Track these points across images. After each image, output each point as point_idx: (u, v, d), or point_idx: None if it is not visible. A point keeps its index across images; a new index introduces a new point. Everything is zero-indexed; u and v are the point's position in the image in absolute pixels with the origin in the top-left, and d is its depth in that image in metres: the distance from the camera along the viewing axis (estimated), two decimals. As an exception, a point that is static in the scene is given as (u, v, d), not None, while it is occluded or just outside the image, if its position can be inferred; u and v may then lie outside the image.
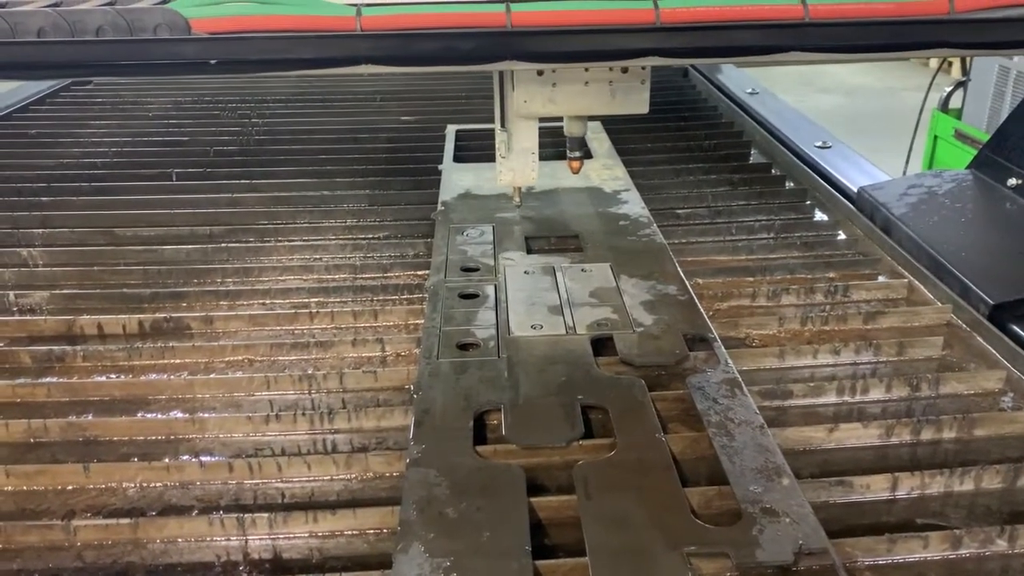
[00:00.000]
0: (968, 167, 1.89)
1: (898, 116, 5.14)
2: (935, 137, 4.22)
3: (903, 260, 1.60)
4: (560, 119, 1.54)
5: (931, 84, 4.31)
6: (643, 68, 1.30)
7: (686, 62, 2.68)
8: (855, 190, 1.90)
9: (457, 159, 2.12)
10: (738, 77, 2.91)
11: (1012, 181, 1.71)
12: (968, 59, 4.06)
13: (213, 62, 1.01)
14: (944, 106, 4.20)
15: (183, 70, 1.07)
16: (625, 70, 1.31)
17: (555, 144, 2.24)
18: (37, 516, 1.02)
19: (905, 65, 8.43)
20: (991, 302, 1.40)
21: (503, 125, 1.55)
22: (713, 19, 1.01)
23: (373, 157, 2.23)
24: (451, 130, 2.30)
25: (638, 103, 1.36)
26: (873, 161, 2.15)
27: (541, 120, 1.55)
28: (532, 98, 1.35)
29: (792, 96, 5.60)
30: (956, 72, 5.58)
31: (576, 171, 1.65)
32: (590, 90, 1.34)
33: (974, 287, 1.44)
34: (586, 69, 1.30)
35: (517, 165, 1.58)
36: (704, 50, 1.04)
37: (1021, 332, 1.34)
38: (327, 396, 1.26)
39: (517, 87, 1.34)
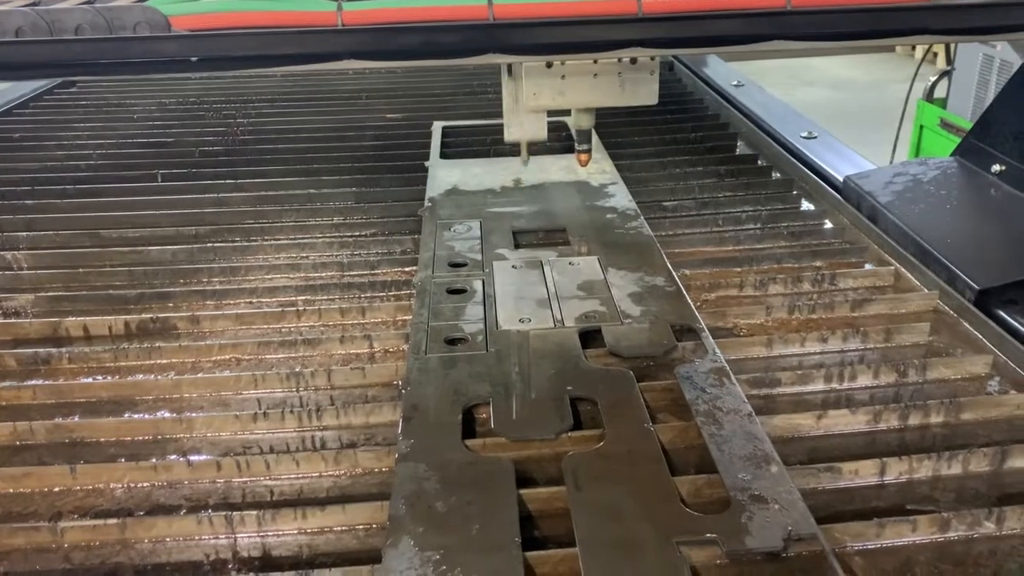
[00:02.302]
0: (953, 154, 1.90)
1: (884, 107, 5.16)
2: (921, 127, 4.24)
3: (890, 248, 1.60)
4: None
5: (916, 74, 4.34)
6: (652, 59, 1.30)
7: (669, 52, 2.67)
8: (841, 179, 1.91)
9: (444, 156, 2.12)
10: (724, 71, 2.91)
11: (996, 167, 1.71)
12: (952, 49, 4.08)
13: (194, 59, 1.01)
14: (929, 96, 4.22)
15: (164, 68, 1.07)
16: (634, 61, 1.31)
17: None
18: (23, 518, 1.02)
19: (891, 57, 8.46)
20: (977, 288, 1.41)
21: (510, 74, 1.50)
22: (696, 9, 1.01)
23: (359, 155, 2.23)
24: (437, 127, 2.30)
25: (648, 94, 1.35)
26: (859, 151, 2.15)
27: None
28: (541, 91, 1.35)
29: (779, 90, 5.61)
30: (941, 62, 5.60)
31: (584, 164, 1.64)
32: (599, 82, 1.34)
33: (960, 273, 1.45)
34: (595, 61, 1.30)
35: (527, 119, 1.54)
36: (687, 40, 1.04)
37: (1007, 317, 1.34)
38: (315, 393, 1.25)
39: (527, 80, 1.34)
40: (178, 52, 1.00)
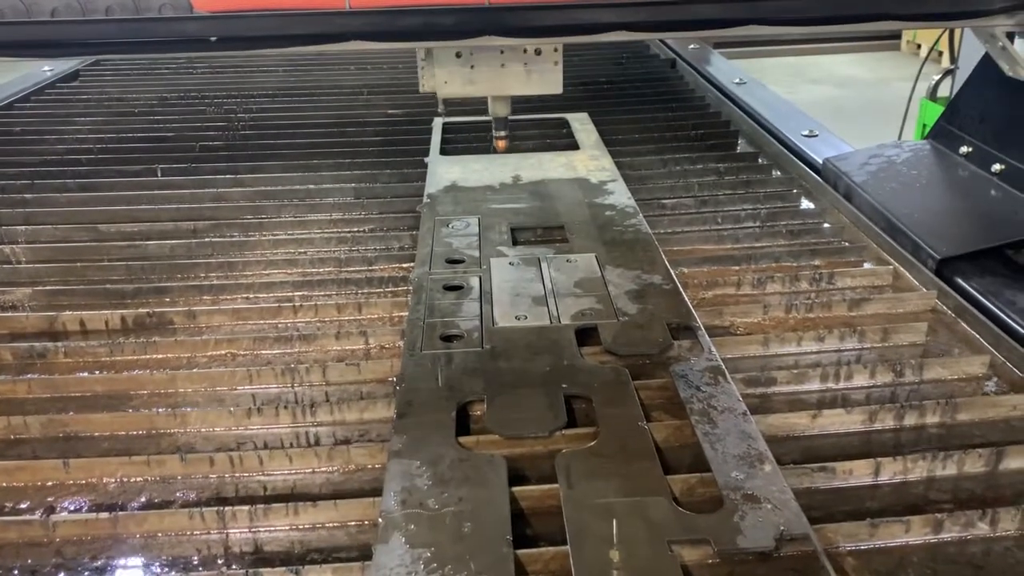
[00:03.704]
0: (925, 137, 1.98)
1: (888, 106, 5.15)
2: (924, 125, 4.22)
3: (889, 247, 1.60)
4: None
5: (919, 73, 4.32)
6: (555, 50, 1.37)
7: (655, 36, 2.75)
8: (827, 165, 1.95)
9: (443, 152, 2.12)
10: (727, 68, 2.90)
11: (964, 149, 1.80)
12: (956, 48, 4.06)
13: (213, 39, 1.06)
14: (932, 95, 4.20)
15: (186, 47, 1.14)
16: (538, 52, 1.37)
17: (542, 136, 2.25)
18: (16, 512, 1.02)
19: (895, 55, 8.44)
20: (938, 256, 1.49)
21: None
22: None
23: (359, 151, 2.22)
24: (438, 123, 2.30)
25: (553, 83, 1.42)
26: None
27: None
28: (452, 79, 1.39)
29: (783, 87, 5.60)
30: (946, 61, 5.58)
31: (502, 150, 1.70)
32: (507, 71, 1.39)
33: (923, 244, 1.53)
34: (501, 51, 1.37)
35: (440, 72, 1.50)
36: (670, 24, 1.10)
37: (964, 285, 1.43)
38: (310, 389, 1.25)
39: (438, 68, 1.38)
40: (199, 32, 1.07)
